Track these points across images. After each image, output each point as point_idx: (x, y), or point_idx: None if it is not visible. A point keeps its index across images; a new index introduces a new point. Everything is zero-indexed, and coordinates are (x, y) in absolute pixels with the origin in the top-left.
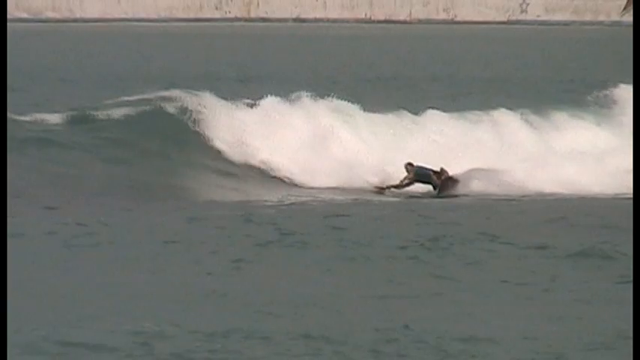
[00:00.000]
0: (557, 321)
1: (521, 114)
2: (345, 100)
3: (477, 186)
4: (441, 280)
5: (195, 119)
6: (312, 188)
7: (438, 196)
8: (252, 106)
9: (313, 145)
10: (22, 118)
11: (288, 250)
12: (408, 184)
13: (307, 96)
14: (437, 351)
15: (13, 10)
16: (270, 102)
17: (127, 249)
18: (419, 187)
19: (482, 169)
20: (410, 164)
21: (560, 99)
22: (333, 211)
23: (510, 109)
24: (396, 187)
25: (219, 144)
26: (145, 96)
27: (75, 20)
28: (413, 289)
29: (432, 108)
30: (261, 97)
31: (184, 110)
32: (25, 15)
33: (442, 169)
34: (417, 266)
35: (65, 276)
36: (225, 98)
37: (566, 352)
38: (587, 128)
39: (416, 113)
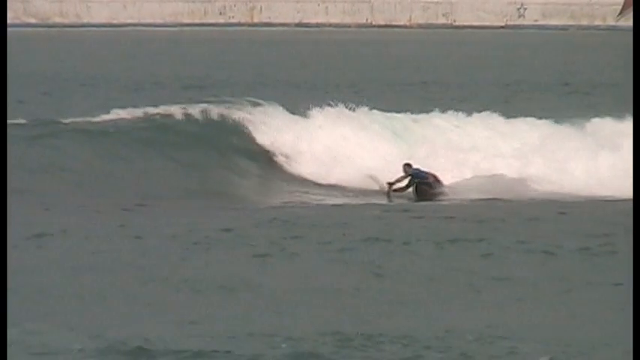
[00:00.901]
0: (564, 318)
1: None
2: (393, 109)
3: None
4: (449, 276)
5: (253, 127)
6: (351, 194)
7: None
8: (310, 115)
9: (373, 156)
10: (68, 119)
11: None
12: (407, 186)
13: (362, 106)
14: (451, 343)
15: (21, 16)
16: (324, 112)
17: (149, 247)
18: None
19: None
20: (408, 165)
21: (569, 102)
22: (347, 213)
23: (544, 118)
24: (392, 187)
25: (270, 151)
26: (204, 99)
27: (82, 25)
28: (424, 285)
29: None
30: (314, 107)
31: (243, 117)
32: (32, 20)
33: (429, 174)
34: (427, 262)
35: (94, 273)
36: (290, 110)
37: (572, 349)
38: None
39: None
